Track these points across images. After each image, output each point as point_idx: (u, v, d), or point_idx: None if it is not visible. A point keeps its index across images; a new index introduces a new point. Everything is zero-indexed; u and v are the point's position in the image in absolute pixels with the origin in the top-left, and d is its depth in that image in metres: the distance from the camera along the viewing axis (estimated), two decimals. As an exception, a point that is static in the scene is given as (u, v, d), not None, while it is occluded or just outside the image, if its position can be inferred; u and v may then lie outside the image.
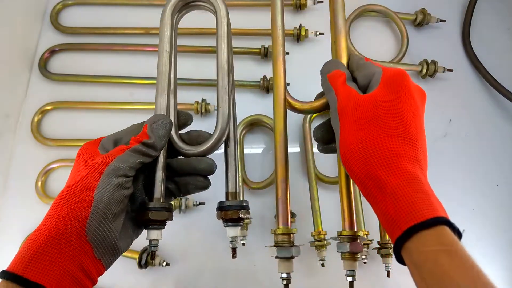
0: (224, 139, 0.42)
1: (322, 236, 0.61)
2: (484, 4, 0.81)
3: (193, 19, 0.80)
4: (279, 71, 0.44)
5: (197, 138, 0.42)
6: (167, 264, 0.62)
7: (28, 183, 0.68)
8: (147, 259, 0.60)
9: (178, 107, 0.70)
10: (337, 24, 0.44)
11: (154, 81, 0.71)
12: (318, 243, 0.60)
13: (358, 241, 0.41)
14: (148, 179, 0.39)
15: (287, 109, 0.44)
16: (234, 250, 0.40)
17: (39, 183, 0.67)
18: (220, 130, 0.41)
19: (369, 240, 0.61)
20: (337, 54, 0.43)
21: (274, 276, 0.64)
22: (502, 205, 0.69)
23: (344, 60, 0.43)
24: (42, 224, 0.31)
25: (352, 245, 0.40)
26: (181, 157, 0.42)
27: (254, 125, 0.70)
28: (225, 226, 0.41)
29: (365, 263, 0.63)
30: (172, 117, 0.43)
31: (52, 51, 0.77)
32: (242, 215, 0.39)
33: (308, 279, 0.58)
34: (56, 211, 0.31)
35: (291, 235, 0.41)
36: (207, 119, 0.71)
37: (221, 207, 0.40)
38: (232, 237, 0.40)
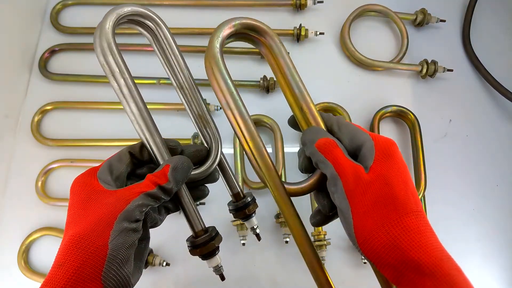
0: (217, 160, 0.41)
1: (322, 236, 0.61)
2: (484, 4, 0.81)
3: (194, 19, 0.81)
4: (268, 166, 0.40)
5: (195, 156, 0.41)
6: (167, 264, 0.62)
7: (28, 183, 0.68)
8: (147, 259, 0.60)
9: (178, 107, 0.71)
10: (293, 77, 0.40)
11: (154, 81, 0.72)
12: (318, 243, 0.60)
13: None
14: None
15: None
16: (257, 235, 0.46)
17: (39, 183, 0.68)
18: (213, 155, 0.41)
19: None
20: (310, 117, 0.39)
21: (274, 276, 0.65)
22: (502, 205, 0.69)
23: (319, 121, 0.38)
24: (54, 274, 0.30)
25: None
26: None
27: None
28: (243, 221, 0.45)
29: (364, 263, 0.63)
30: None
31: (52, 51, 0.77)
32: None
33: (308, 279, 0.58)
34: (71, 260, 0.31)
35: None
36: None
37: (237, 208, 0.44)
38: (252, 227, 0.45)
